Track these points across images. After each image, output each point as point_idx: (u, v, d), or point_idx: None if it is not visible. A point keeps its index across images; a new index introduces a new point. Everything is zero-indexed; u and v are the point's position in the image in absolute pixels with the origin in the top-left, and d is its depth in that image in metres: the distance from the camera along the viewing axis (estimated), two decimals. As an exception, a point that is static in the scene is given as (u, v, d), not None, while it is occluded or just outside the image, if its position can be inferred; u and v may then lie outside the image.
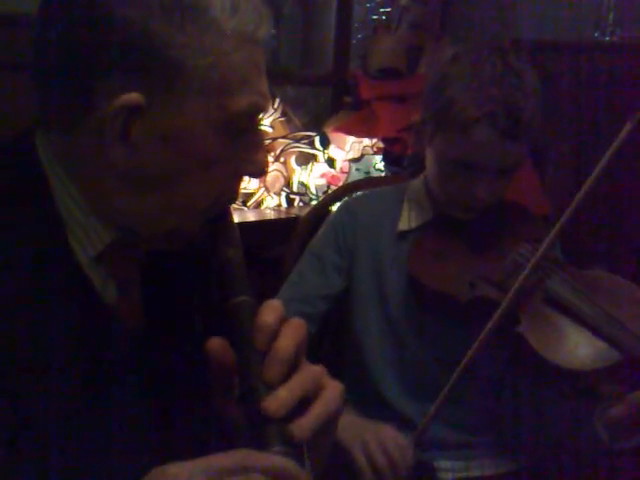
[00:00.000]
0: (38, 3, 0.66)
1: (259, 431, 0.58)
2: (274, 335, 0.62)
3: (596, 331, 1.08)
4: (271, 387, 0.59)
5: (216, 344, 0.62)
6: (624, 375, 1.06)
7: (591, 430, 1.05)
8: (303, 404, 0.60)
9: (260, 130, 0.73)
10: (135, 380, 0.71)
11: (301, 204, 2.06)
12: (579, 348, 1.09)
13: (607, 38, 2.32)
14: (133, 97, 0.62)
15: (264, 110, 0.70)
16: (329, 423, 0.62)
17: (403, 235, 1.26)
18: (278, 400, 0.58)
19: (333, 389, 0.63)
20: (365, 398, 1.23)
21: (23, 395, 0.61)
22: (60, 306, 0.65)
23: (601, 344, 1.07)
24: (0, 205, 0.65)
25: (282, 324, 0.63)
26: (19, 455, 0.60)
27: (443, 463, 1.21)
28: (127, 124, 0.63)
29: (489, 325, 1.08)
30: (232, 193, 0.73)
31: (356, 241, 1.27)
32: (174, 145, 0.65)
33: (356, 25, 2.56)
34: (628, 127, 1.05)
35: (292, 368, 0.62)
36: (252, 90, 0.66)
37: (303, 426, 0.59)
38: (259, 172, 0.73)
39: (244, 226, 1.87)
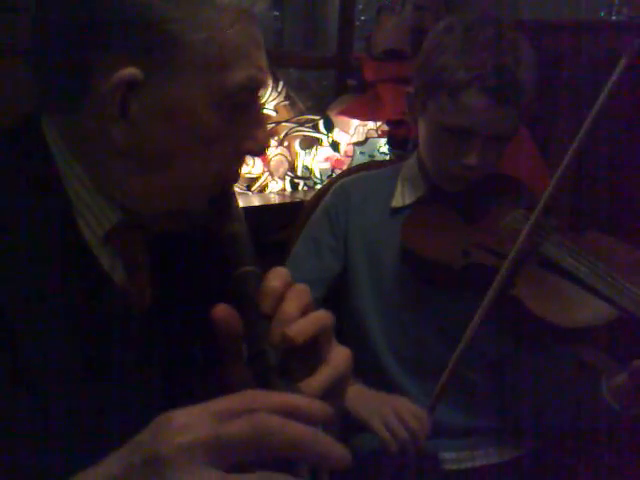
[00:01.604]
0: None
1: None
2: (280, 299, 0.62)
3: (592, 290, 1.09)
4: (278, 350, 0.60)
5: (222, 310, 0.61)
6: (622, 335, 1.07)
7: (600, 400, 1.06)
8: (311, 365, 0.61)
9: (260, 107, 0.72)
10: (143, 359, 0.72)
11: (305, 188, 2.06)
12: (575, 307, 1.10)
13: (613, 17, 2.29)
14: (130, 72, 0.62)
15: (262, 84, 0.70)
16: (338, 385, 0.62)
17: (396, 212, 1.26)
18: (299, 325, 0.59)
19: (342, 352, 0.64)
20: (367, 378, 1.24)
21: (32, 373, 0.62)
22: (68, 286, 0.66)
23: (598, 302, 1.08)
24: (9, 187, 0.66)
25: (287, 289, 0.63)
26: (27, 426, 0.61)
27: (447, 454, 1.22)
28: (126, 100, 0.63)
29: (491, 291, 1.08)
30: (234, 172, 0.73)
31: (349, 222, 1.28)
32: (173, 121, 0.65)
33: (360, 7, 2.54)
34: (623, 62, 1.04)
35: None
36: (250, 64, 0.66)
37: (312, 385, 0.59)
38: (260, 150, 0.73)
39: (248, 210, 1.84)
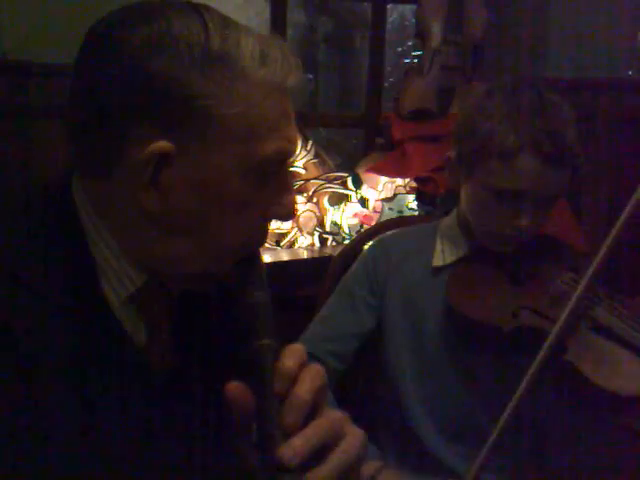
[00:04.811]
0: (75, 54, 0.68)
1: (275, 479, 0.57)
2: (293, 381, 0.61)
3: None
4: (288, 434, 0.58)
5: (235, 389, 0.61)
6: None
7: None
8: (321, 452, 0.59)
9: (288, 173, 0.73)
10: (163, 421, 0.72)
11: (334, 243, 2.07)
12: (633, 373, 1.07)
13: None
14: (163, 145, 0.64)
15: (291, 155, 0.71)
16: (349, 472, 0.60)
17: (438, 270, 1.25)
18: (292, 449, 0.57)
19: (354, 437, 0.62)
20: (402, 441, 1.21)
21: (52, 433, 0.63)
22: (89, 347, 0.67)
23: None
24: (35, 246, 0.68)
25: (301, 369, 0.63)
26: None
27: None
28: (158, 171, 0.65)
29: (540, 356, 1.06)
30: (261, 236, 0.74)
31: (388, 278, 1.26)
32: (203, 191, 0.66)
33: (388, 69, 2.61)
34: None
35: (310, 415, 0.61)
36: (280, 136, 0.68)
37: (318, 477, 0.58)
38: (287, 215, 0.74)
39: (277, 265, 1.88)
